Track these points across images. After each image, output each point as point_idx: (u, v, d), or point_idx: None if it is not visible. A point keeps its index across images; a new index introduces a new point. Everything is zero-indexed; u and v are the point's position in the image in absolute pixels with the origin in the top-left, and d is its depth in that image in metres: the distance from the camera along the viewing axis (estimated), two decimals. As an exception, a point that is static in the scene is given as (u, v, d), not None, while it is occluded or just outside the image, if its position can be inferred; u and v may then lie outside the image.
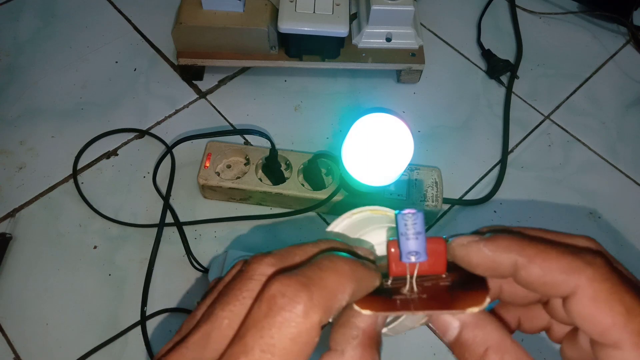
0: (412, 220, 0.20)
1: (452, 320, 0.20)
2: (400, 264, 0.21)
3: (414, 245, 0.20)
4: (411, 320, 0.23)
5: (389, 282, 0.22)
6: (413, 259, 0.20)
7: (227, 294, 0.19)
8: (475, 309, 0.19)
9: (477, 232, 0.21)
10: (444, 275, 0.21)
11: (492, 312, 0.24)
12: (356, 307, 0.19)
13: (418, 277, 0.21)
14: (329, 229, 0.25)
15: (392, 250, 0.21)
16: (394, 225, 0.25)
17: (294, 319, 0.17)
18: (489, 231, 0.21)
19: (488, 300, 0.19)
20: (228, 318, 0.18)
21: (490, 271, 0.20)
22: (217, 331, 0.18)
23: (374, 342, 0.19)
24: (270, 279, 0.18)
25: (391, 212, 0.24)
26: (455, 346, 0.20)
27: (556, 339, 0.23)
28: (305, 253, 0.20)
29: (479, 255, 0.20)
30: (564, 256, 0.18)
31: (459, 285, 0.21)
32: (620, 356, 0.17)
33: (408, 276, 0.21)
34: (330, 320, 0.19)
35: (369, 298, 0.20)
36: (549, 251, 0.19)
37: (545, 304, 0.21)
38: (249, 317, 0.18)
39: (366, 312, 0.19)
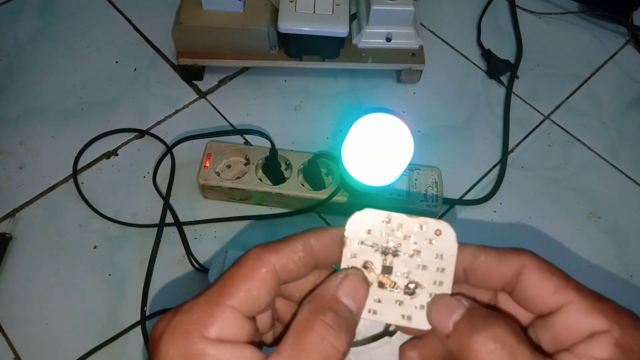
0: None
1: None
2: None
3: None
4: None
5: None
6: None
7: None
8: None
9: None
10: None
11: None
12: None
13: None
14: None
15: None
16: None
17: (246, 256, 0.22)
18: None
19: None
20: None
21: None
22: None
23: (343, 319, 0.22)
24: None
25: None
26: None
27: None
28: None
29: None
30: (501, 249, 0.23)
31: None
32: (572, 309, 0.20)
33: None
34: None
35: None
36: (488, 247, 0.23)
37: (510, 292, 0.23)
38: None
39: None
